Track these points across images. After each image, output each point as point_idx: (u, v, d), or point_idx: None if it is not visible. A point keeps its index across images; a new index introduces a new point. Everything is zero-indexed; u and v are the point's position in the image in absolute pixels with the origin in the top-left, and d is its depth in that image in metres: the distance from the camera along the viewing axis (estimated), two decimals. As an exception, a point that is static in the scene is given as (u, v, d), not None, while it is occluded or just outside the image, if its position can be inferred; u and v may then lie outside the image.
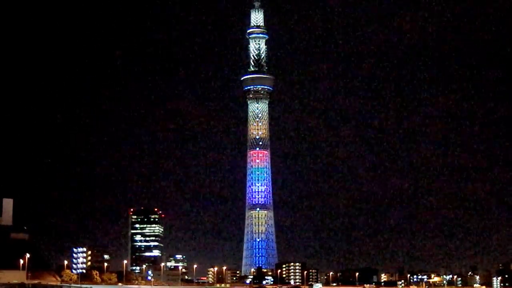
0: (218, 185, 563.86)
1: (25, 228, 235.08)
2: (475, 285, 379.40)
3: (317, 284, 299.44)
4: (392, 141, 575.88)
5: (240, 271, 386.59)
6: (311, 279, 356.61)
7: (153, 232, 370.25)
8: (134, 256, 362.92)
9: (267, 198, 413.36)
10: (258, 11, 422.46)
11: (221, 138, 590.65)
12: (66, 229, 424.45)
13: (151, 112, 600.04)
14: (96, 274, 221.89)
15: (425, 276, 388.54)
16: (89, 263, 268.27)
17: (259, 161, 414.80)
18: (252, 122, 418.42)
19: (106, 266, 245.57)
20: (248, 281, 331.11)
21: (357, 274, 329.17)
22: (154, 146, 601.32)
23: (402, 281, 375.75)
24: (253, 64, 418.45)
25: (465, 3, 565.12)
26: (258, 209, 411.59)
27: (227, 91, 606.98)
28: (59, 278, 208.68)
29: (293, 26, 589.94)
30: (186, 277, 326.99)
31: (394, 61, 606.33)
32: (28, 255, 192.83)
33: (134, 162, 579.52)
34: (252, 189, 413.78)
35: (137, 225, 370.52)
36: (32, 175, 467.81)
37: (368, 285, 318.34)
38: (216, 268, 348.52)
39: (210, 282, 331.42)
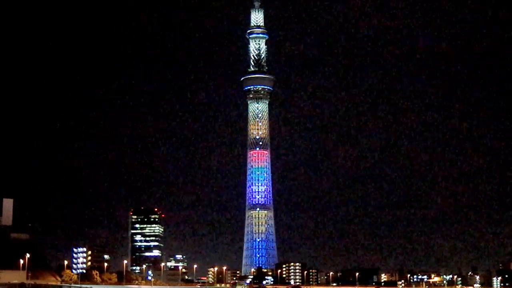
0: (218, 185, 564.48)
1: (30, 225, 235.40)
2: (475, 285, 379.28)
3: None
4: (392, 141, 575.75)
5: (240, 271, 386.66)
6: (311, 279, 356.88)
7: (153, 232, 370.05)
8: (134, 256, 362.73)
9: (267, 198, 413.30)
10: (258, 11, 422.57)
11: (221, 138, 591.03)
12: (66, 229, 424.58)
13: (151, 112, 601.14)
14: (96, 274, 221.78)
15: (425, 276, 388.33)
16: (89, 263, 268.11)
17: (259, 161, 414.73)
18: (252, 122, 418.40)
19: (106, 266, 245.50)
20: (248, 281, 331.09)
21: (357, 274, 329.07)
22: (154, 146, 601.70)
23: (402, 281, 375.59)
24: (253, 64, 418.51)
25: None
26: (258, 209, 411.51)
27: (227, 91, 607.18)
28: (59, 278, 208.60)
29: (293, 26, 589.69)
30: (186, 277, 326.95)
31: (393, 61, 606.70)
32: (28, 255, 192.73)
33: (134, 162, 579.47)
34: (252, 189, 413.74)
35: (137, 225, 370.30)
36: (32, 175, 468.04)
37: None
38: (216, 268, 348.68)
39: (210, 282, 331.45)
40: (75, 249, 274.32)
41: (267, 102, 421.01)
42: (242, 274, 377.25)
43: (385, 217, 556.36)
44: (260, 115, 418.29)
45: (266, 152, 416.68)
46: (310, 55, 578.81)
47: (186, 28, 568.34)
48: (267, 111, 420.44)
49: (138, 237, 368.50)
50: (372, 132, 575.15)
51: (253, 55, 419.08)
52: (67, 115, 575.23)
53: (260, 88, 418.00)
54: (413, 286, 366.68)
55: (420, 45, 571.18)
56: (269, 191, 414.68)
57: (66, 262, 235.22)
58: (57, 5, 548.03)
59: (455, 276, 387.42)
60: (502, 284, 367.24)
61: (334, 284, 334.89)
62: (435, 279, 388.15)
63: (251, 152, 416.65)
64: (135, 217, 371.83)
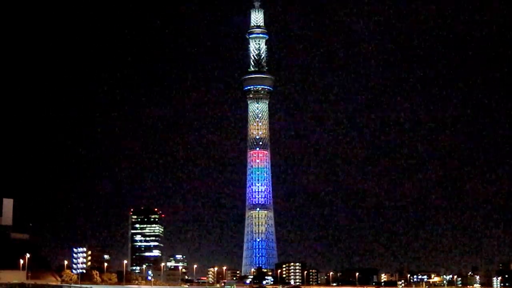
0: (218, 185, 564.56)
1: (31, 224, 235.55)
2: (475, 285, 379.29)
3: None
4: (392, 141, 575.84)
5: (240, 271, 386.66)
6: (311, 279, 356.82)
7: (153, 232, 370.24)
8: (134, 256, 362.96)
9: (267, 198, 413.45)
10: (258, 11, 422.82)
11: (221, 138, 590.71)
12: (66, 229, 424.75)
13: (151, 112, 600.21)
14: (96, 274, 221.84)
15: (425, 276, 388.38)
16: (89, 263, 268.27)
17: (259, 161, 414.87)
18: (252, 122, 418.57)
19: (106, 266, 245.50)
20: (248, 281, 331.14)
21: (357, 274, 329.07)
22: (154, 146, 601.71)
23: (402, 281, 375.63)
24: (253, 64, 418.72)
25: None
26: (258, 209, 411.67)
27: (227, 91, 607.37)
28: (59, 278, 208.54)
29: (293, 26, 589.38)
30: (186, 277, 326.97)
31: (393, 61, 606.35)
32: (28, 255, 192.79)
33: (134, 162, 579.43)
34: (252, 189, 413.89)
35: (137, 225, 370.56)
36: (32, 175, 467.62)
37: None
38: (216, 268, 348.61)
39: (210, 282, 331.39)
40: (75, 249, 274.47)
41: (267, 102, 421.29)
42: (242, 274, 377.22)
43: (386, 217, 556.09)
44: (260, 115, 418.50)
45: (266, 152, 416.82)
46: (310, 55, 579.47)
47: (186, 28, 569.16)
48: (267, 111, 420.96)
49: (138, 237, 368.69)
50: (372, 132, 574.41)
51: (253, 55, 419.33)
52: (67, 115, 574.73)
53: (260, 88, 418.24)
54: (413, 286, 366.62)
55: (422, 45, 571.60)
56: (269, 191, 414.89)
57: (66, 262, 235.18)
58: (57, 5, 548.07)
59: (455, 276, 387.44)
60: (502, 284, 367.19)
61: (334, 284, 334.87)
62: (435, 279, 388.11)
63: (251, 152, 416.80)
64: (135, 217, 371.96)
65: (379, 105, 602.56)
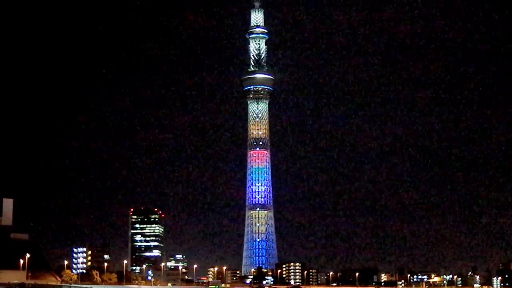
0: (218, 185, 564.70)
1: (31, 224, 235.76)
2: (475, 285, 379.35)
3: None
4: (392, 141, 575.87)
5: (240, 271, 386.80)
6: (311, 279, 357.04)
7: (153, 232, 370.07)
8: (134, 256, 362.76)
9: (267, 198, 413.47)
10: (258, 11, 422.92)
11: (221, 138, 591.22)
12: (66, 229, 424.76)
13: (151, 112, 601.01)
14: (96, 274, 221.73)
15: (425, 276, 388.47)
16: (89, 263, 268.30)
17: (259, 161, 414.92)
18: (252, 122, 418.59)
19: (106, 266, 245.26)
20: (248, 281, 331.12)
21: (357, 274, 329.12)
22: (154, 146, 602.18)
23: (402, 281, 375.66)
24: (253, 64, 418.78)
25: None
26: (258, 209, 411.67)
27: (227, 91, 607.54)
28: (59, 278, 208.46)
29: (293, 26, 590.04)
30: (186, 277, 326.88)
31: (394, 60, 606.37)
32: (28, 255, 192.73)
33: (134, 162, 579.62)
34: (252, 189, 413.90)
35: (137, 225, 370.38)
36: (32, 175, 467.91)
37: None
38: (216, 268, 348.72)
39: (210, 282, 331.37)
40: (75, 249, 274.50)
41: (267, 102, 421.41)
42: (242, 274, 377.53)
43: (385, 217, 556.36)
44: (260, 115, 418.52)
45: (266, 152, 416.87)
46: (310, 55, 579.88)
47: (186, 28, 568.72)
48: (267, 111, 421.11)
49: (138, 237, 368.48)
50: (372, 133, 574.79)
51: (253, 55, 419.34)
52: (67, 115, 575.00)
53: (260, 88, 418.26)
54: (413, 286, 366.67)
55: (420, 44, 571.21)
56: (269, 191, 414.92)
57: (66, 262, 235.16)
58: (58, 5, 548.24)
59: (455, 276, 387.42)
60: (502, 284, 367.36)
61: (334, 284, 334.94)
62: (435, 279, 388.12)
63: (251, 152, 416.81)
64: (135, 217, 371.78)
65: (379, 105, 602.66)
